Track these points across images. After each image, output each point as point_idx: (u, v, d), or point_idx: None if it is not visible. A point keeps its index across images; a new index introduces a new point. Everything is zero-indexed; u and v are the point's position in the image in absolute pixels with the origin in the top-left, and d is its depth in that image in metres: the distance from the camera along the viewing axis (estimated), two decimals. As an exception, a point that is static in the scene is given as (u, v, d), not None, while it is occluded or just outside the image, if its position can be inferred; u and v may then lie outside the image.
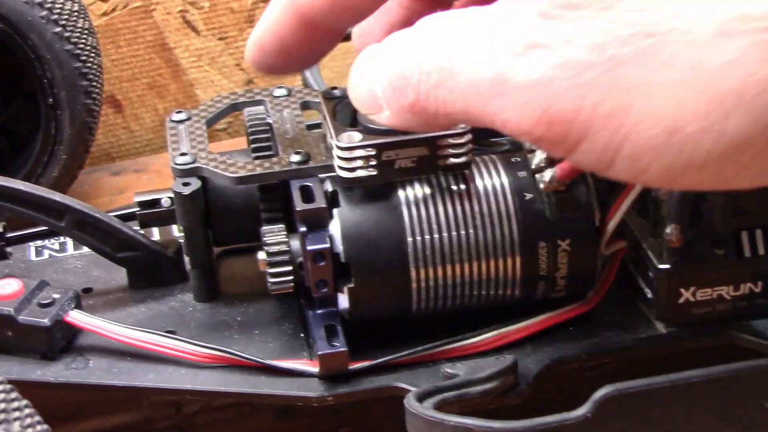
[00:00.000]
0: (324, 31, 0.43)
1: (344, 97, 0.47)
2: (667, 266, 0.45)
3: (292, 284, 0.45)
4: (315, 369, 0.45)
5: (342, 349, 0.44)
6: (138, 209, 0.50)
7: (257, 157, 0.47)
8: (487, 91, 0.32)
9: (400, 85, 0.35)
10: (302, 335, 0.47)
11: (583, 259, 0.46)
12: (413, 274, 0.45)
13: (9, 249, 0.51)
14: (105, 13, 0.76)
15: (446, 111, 0.34)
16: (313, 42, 0.43)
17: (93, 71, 0.62)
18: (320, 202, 0.44)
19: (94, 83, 0.62)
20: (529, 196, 0.45)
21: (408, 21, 0.41)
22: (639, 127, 0.30)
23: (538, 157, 0.45)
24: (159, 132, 0.80)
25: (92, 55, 0.62)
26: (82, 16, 0.63)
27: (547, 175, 0.45)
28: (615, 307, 0.48)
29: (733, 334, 0.47)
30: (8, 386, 0.36)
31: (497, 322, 0.46)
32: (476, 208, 0.45)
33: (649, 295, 0.47)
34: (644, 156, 0.30)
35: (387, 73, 0.36)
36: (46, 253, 0.54)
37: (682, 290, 0.46)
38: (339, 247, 0.44)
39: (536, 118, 0.31)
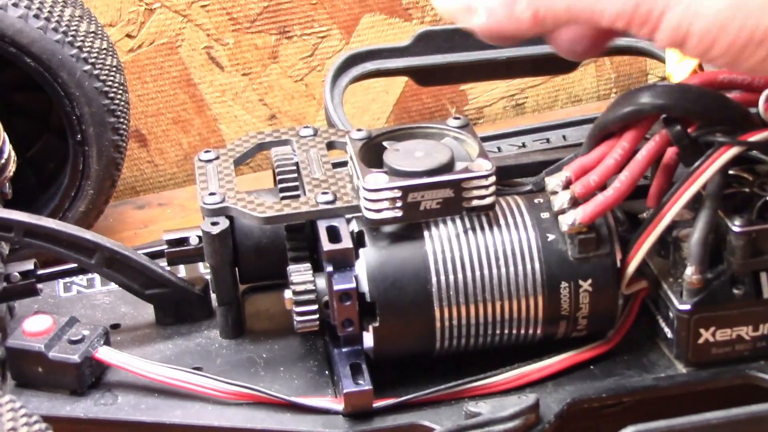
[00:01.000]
0: None
1: (370, 138, 0.48)
2: (687, 307, 0.46)
3: (318, 322, 0.46)
4: (340, 406, 0.45)
5: (367, 388, 0.45)
6: (166, 247, 0.50)
7: (284, 197, 0.48)
8: None
9: None
10: (327, 372, 0.48)
11: (604, 299, 0.46)
12: (437, 313, 0.45)
13: (39, 285, 0.52)
14: (132, 50, 0.77)
15: (553, 12, 0.39)
16: None
17: (120, 108, 0.63)
18: (347, 243, 0.45)
19: (122, 120, 0.63)
20: (551, 237, 0.46)
21: None
22: (708, 1, 0.36)
23: (561, 199, 0.46)
24: (183, 166, 0.81)
25: (120, 92, 0.64)
26: (111, 53, 0.64)
27: (570, 217, 0.45)
28: (635, 346, 0.49)
29: (752, 374, 0.47)
30: (43, 425, 0.37)
31: (519, 360, 0.47)
32: (500, 248, 0.46)
33: (670, 334, 0.47)
34: (711, 31, 0.36)
35: None
36: (75, 289, 0.54)
37: (702, 330, 0.46)
38: (365, 286, 0.45)
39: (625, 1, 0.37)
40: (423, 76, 0.68)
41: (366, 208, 0.45)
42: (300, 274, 0.46)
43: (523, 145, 0.61)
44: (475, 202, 0.45)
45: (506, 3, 0.40)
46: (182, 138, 0.80)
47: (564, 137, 0.62)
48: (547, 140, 0.62)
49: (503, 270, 0.45)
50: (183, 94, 0.79)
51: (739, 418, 0.39)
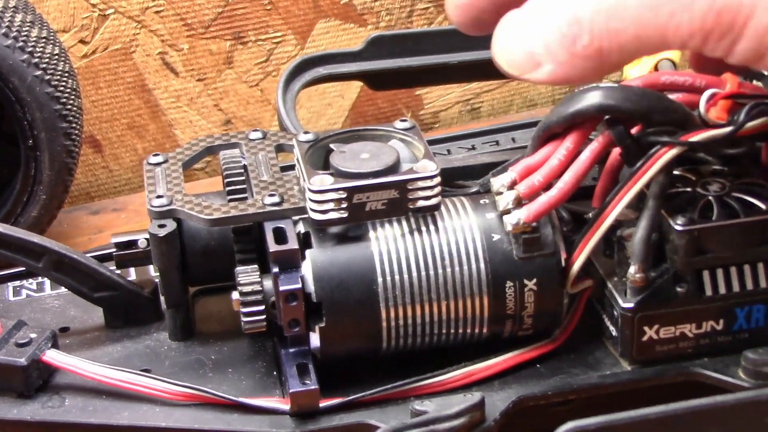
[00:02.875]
0: None
1: (317, 141, 0.49)
2: (630, 305, 0.47)
3: (265, 323, 0.46)
4: (286, 407, 0.45)
5: (313, 387, 0.45)
6: (115, 250, 0.51)
7: (232, 200, 0.48)
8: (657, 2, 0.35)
9: (573, 31, 0.37)
10: (275, 373, 0.48)
11: (549, 298, 0.47)
12: (383, 313, 0.46)
13: (-12, 289, 0.52)
14: (85, 55, 0.77)
15: (619, 43, 0.36)
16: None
17: (73, 113, 0.63)
18: (293, 244, 0.45)
19: (74, 125, 0.63)
20: (496, 237, 0.47)
21: None
22: None
23: (506, 199, 0.46)
24: (137, 171, 0.81)
25: (72, 97, 0.64)
26: (63, 59, 0.64)
27: (515, 216, 0.46)
28: (581, 344, 0.49)
29: (695, 371, 0.48)
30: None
31: (466, 359, 0.47)
32: (445, 249, 0.46)
33: (614, 333, 0.48)
34: None
35: (555, 24, 0.38)
36: (24, 293, 0.54)
37: (646, 328, 0.47)
38: (311, 287, 0.45)
39: (705, 11, 0.34)
40: (376, 81, 0.68)
41: (312, 210, 0.45)
42: (247, 275, 0.46)
43: (473, 148, 0.62)
44: (420, 203, 0.46)
45: (567, 43, 0.38)
46: (137, 143, 0.80)
47: (513, 139, 0.62)
48: (497, 143, 0.62)
49: (449, 270, 0.46)
50: (138, 100, 0.79)
51: (677, 413, 0.40)
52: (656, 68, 0.61)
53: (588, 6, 0.37)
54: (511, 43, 0.40)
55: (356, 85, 0.83)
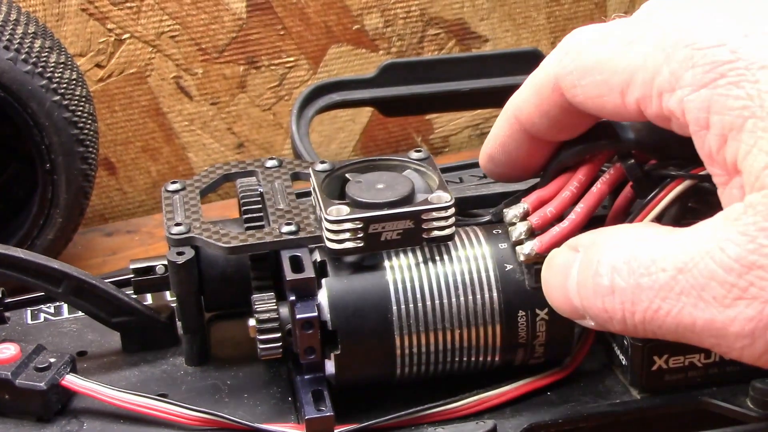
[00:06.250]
0: (544, 143, 0.46)
1: (333, 170, 0.49)
2: (640, 335, 0.47)
3: (281, 350, 0.47)
4: (302, 433, 0.46)
5: (328, 414, 0.46)
6: (133, 276, 0.51)
7: (249, 228, 0.49)
8: (699, 333, 0.37)
9: (606, 317, 0.39)
10: (290, 399, 0.49)
11: (560, 327, 0.48)
12: (398, 341, 0.46)
13: (7, 314, 0.52)
14: (101, 79, 0.78)
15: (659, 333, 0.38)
16: (535, 152, 0.47)
17: (89, 137, 0.64)
18: (309, 272, 0.46)
19: (90, 149, 0.64)
20: (509, 267, 0.47)
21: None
22: None
23: (519, 230, 0.47)
24: (151, 194, 0.82)
25: (89, 121, 0.64)
26: (80, 84, 0.65)
27: (527, 247, 0.46)
28: (591, 373, 0.50)
29: (705, 399, 0.48)
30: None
31: (478, 387, 0.48)
32: (459, 278, 0.47)
33: (624, 362, 0.49)
34: None
35: (596, 300, 0.39)
36: (42, 317, 0.55)
37: (656, 358, 0.48)
38: (326, 315, 0.46)
39: (760, 353, 0.36)
40: (387, 107, 0.69)
41: (328, 239, 0.46)
42: (263, 302, 0.47)
43: (484, 176, 0.63)
44: (435, 233, 0.47)
45: (601, 306, 0.39)
46: (151, 166, 0.81)
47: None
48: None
49: (462, 299, 0.47)
50: (152, 123, 0.80)
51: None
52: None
53: (619, 306, 0.39)
54: (554, 293, 0.42)
55: (367, 110, 0.84)
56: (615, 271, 0.38)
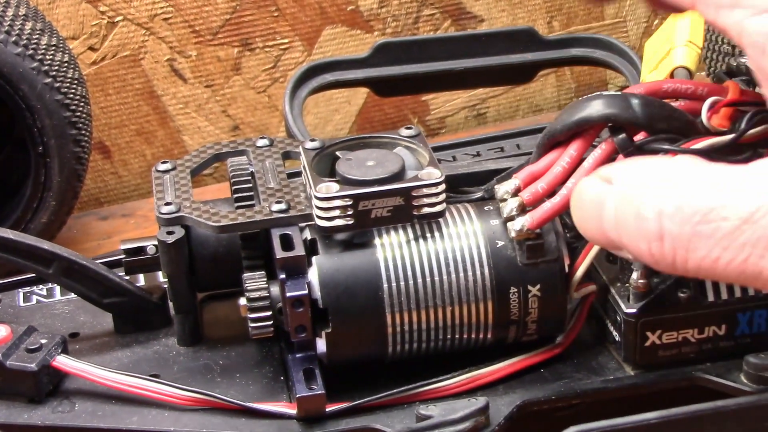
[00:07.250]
0: None
1: (323, 148, 0.49)
2: (633, 310, 0.47)
3: (272, 329, 0.47)
4: (293, 411, 0.46)
5: (319, 392, 0.46)
6: (124, 256, 0.51)
7: (239, 207, 0.48)
8: (765, 282, 0.35)
9: (652, 260, 0.36)
10: (282, 378, 0.49)
11: (553, 303, 0.47)
12: (389, 319, 0.46)
13: (-1, 295, 0.52)
14: (94, 62, 0.78)
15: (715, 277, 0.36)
16: None
17: (82, 120, 0.64)
18: (299, 250, 0.46)
19: (83, 131, 0.64)
20: (501, 243, 0.47)
21: None
22: None
23: (510, 206, 0.47)
24: (146, 177, 0.81)
25: (81, 104, 0.64)
26: (72, 66, 0.65)
27: (518, 223, 0.46)
28: (585, 349, 0.50)
29: (698, 375, 0.48)
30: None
31: (471, 364, 0.48)
32: (450, 255, 0.47)
33: (618, 338, 0.49)
34: None
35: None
36: (34, 299, 0.55)
37: (649, 333, 0.48)
38: (317, 293, 0.46)
39: None
40: (382, 87, 0.69)
41: (318, 216, 0.46)
42: (254, 281, 0.47)
43: (478, 154, 0.62)
44: (425, 210, 0.46)
45: (646, 249, 0.36)
46: (146, 149, 0.81)
47: (518, 146, 0.63)
48: (502, 149, 0.63)
49: (453, 276, 0.46)
50: (146, 106, 0.80)
51: (679, 417, 0.41)
52: (671, 76, 0.61)
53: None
54: (586, 224, 0.39)
55: (363, 91, 0.84)
56: (664, 216, 0.35)
